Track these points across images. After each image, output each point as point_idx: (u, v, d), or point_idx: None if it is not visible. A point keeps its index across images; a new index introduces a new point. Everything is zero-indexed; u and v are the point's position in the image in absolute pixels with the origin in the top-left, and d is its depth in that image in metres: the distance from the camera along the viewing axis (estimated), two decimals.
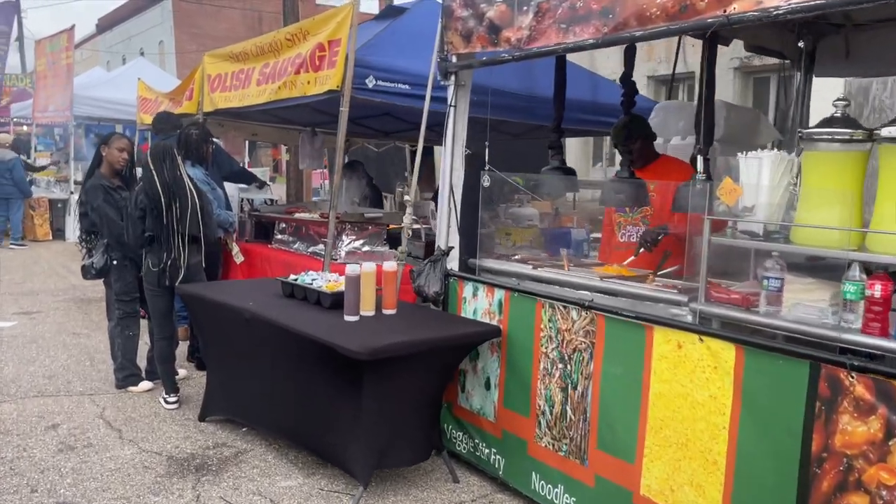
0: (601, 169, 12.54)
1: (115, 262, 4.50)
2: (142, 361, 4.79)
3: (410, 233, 4.09)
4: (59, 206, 12.48)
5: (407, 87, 4.97)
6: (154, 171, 4.17)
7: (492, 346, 3.39)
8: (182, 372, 4.87)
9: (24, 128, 15.84)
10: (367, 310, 3.44)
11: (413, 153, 10.84)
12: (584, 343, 2.91)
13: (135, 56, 22.91)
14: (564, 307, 3.01)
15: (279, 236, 6.43)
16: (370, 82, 4.83)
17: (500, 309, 3.36)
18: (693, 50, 11.60)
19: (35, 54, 14.05)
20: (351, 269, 3.35)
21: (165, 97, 8.96)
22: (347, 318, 3.33)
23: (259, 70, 6.01)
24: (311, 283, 3.71)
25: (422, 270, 3.75)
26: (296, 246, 6.13)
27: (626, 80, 3.18)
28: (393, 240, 5.71)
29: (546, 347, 3.10)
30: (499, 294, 3.37)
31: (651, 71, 11.60)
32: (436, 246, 3.84)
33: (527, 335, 3.19)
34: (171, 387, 4.38)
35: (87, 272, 4.54)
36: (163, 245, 4.17)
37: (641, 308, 2.86)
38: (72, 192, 12.25)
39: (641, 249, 3.33)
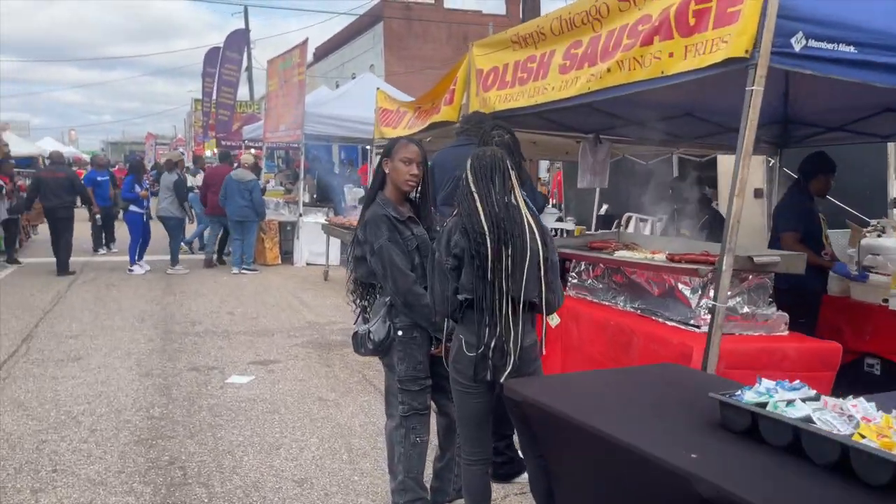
0: None
1: (399, 333, 2.98)
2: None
3: None
4: (288, 228, 11.94)
5: (852, 49, 3.00)
6: (476, 196, 2.57)
7: None
8: None
9: (252, 150, 15.89)
10: None
11: (688, 163, 8.74)
12: None
13: (347, 81, 23.07)
14: None
15: (575, 280, 4.71)
16: (797, 43, 2.93)
17: None
18: None
19: (267, 74, 13.89)
20: None
21: (410, 106, 7.72)
22: None
23: (563, 52, 4.35)
24: (818, 421, 1.85)
25: None
26: (608, 297, 4.36)
27: None
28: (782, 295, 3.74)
29: None
30: None
31: None
32: None
33: None
34: None
35: (360, 344, 3.07)
36: (484, 314, 2.56)
37: None
38: (300, 215, 11.67)
39: None
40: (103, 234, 13.17)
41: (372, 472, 3.68)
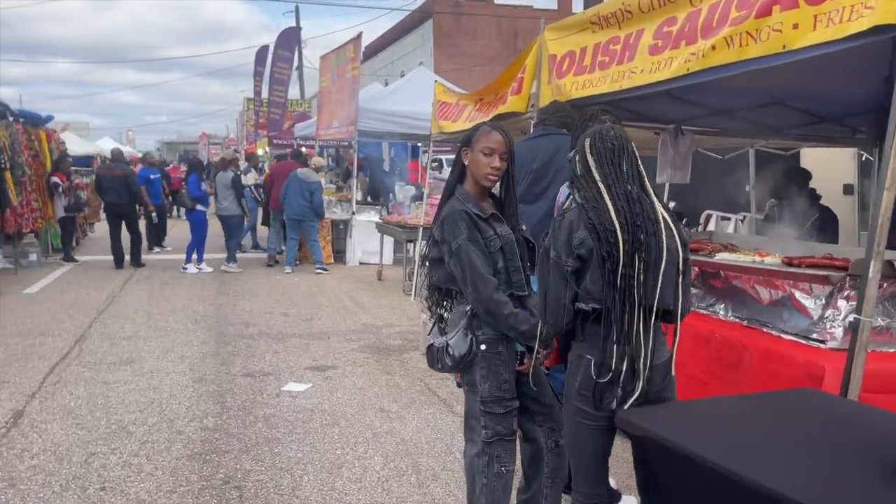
0: None
1: (483, 348, 2.60)
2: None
3: None
4: (341, 227, 11.69)
5: None
6: (601, 185, 2.17)
7: None
8: None
9: (303, 149, 15.72)
10: None
11: (768, 156, 8.10)
12: None
13: (396, 79, 22.80)
14: None
15: None
16: None
17: None
18: None
19: (319, 70, 13.69)
20: None
21: (471, 98, 7.33)
22: None
23: (654, 31, 3.90)
24: None
25: None
26: (704, 304, 3.89)
27: None
28: None
29: None
30: None
31: None
32: None
33: None
34: None
35: (437, 359, 2.69)
36: (612, 328, 2.14)
37: None
38: (353, 213, 11.41)
39: None
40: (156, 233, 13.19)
41: (444, 499, 3.31)
